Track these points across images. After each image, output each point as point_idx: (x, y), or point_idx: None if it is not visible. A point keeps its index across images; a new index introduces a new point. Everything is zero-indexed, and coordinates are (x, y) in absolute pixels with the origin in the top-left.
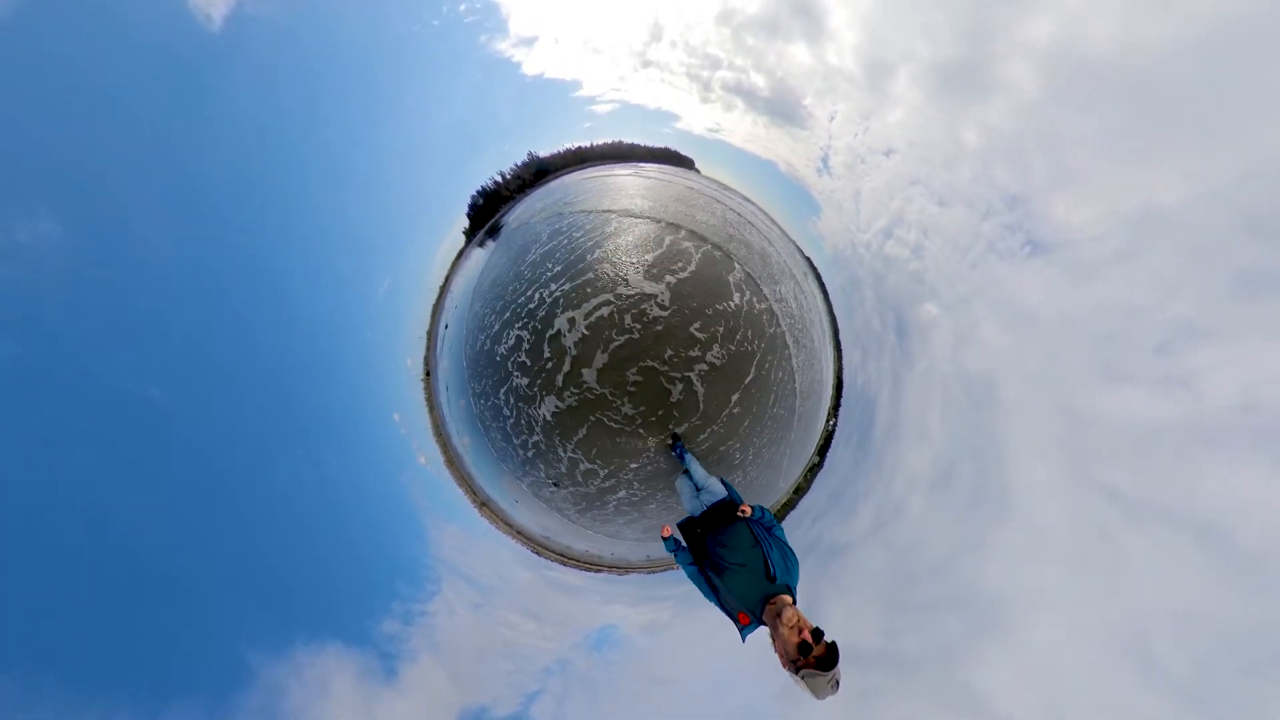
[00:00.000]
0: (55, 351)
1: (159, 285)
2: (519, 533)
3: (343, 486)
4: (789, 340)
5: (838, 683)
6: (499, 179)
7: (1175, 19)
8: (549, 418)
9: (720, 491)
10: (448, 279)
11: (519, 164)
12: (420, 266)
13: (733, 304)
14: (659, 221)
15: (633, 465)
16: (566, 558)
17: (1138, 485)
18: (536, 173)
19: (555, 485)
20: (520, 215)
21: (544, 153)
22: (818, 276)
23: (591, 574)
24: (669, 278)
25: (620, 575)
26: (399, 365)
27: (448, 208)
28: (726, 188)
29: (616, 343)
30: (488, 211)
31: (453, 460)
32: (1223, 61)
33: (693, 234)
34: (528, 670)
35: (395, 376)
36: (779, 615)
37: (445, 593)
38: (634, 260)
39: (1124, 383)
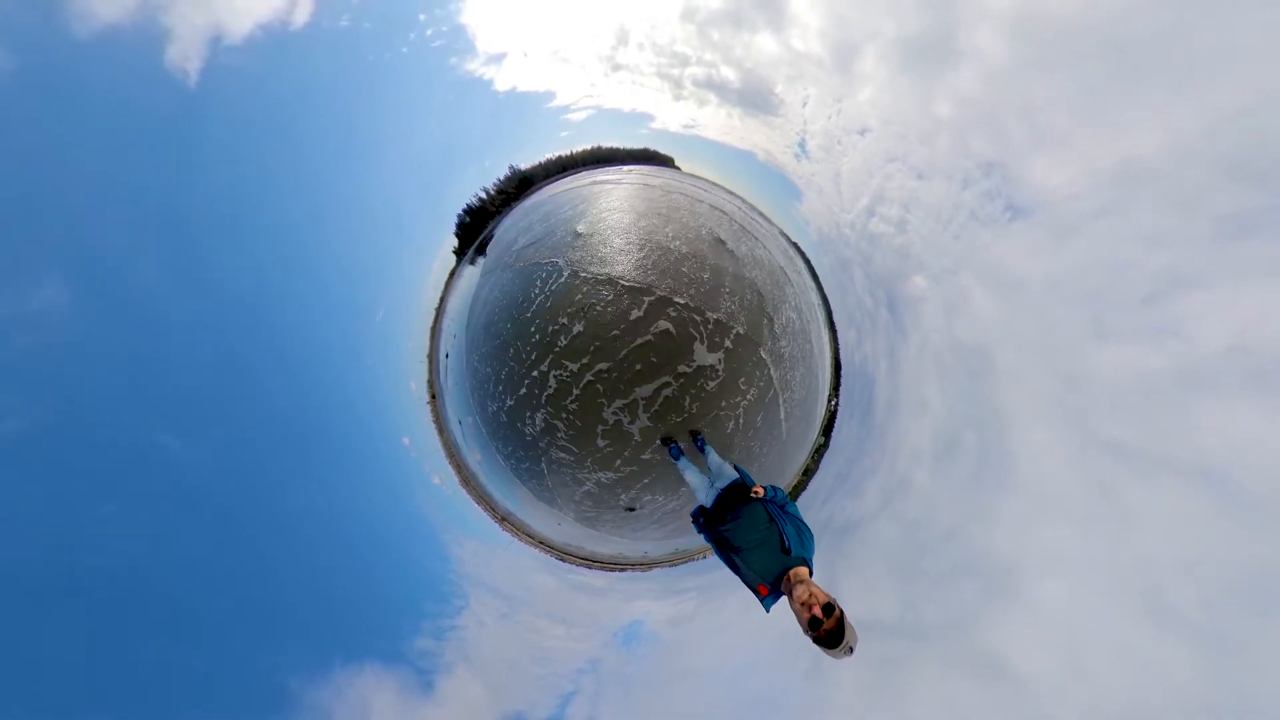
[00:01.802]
0: (74, 413)
1: (164, 337)
2: (542, 543)
3: (361, 512)
4: (798, 354)
5: (852, 649)
6: (483, 195)
7: None
8: (605, 481)
9: (733, 475)
10: (442, 300)
11: (501, 178)
12: (414, 290)
13: (767, 349)
14: (691, 269)
15: (684, 488)
16: (592, 561)
17: (1138, 437)
18: (520, 183)
19: (630, 509)
20: (509, 235)
21: (525, 165)
22: (808, 264)
23: (615, 573)
24: (727, 343)
25: (644, 572)
26: (403, 390)
27: (434, 229)
28: (712, 184)
29: (676, 420)
30: (475, 228)
31: (468, 480)
32: (1183, 11)
33: (734, 288)
34: (560, 672)
35: (401, 401)
36: (792, 591)
37: (472, 606)
38: (689, 321)
39: (1116, 337)
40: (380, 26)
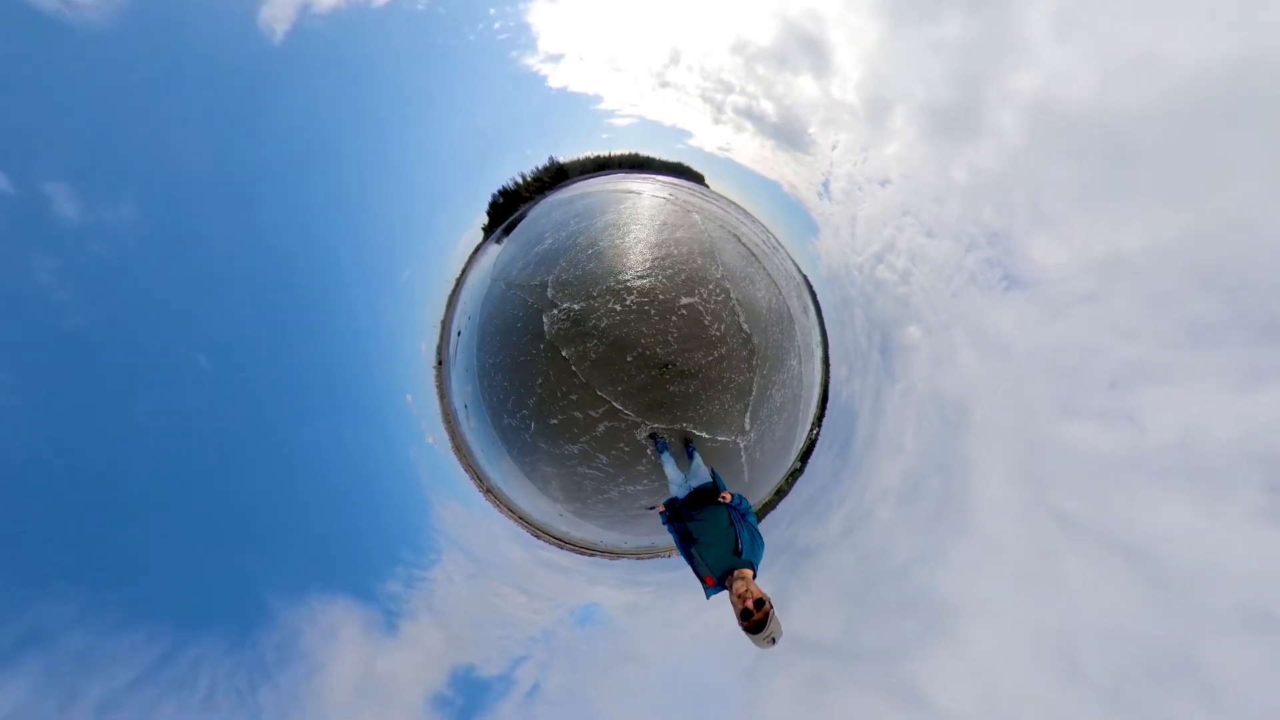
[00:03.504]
0: (125, 318)
1: (213, 265)
2: (521, 518)
3: (357, 457)
4: (788, 397)
5: (775, 640)
6: (519, 179)
7: (1146, 87)
8: (630, 492)
9: (707, 478)
10: (464, 273)
11: (540, 167)
12: (439, 258)
13: (776, 397)
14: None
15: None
16: (564, 542)
17: (1082, 510)
18: (556, 174)
19: (651, 508)
20: (536, 228)
21: (564, 158)
22: (814, 297)
23: (581, 556)
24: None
25: (611, 560)
26: (414, 349)
27: (469, 204)
28: (734, 205)
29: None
30: (507, 209)
31: (460, 447)
32: (1185, 128)
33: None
34: (515, 637)
35: (410, 359)
36: (733, 586)
37: (444, 562)
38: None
39: (1079, 415)
40: (453, 13)
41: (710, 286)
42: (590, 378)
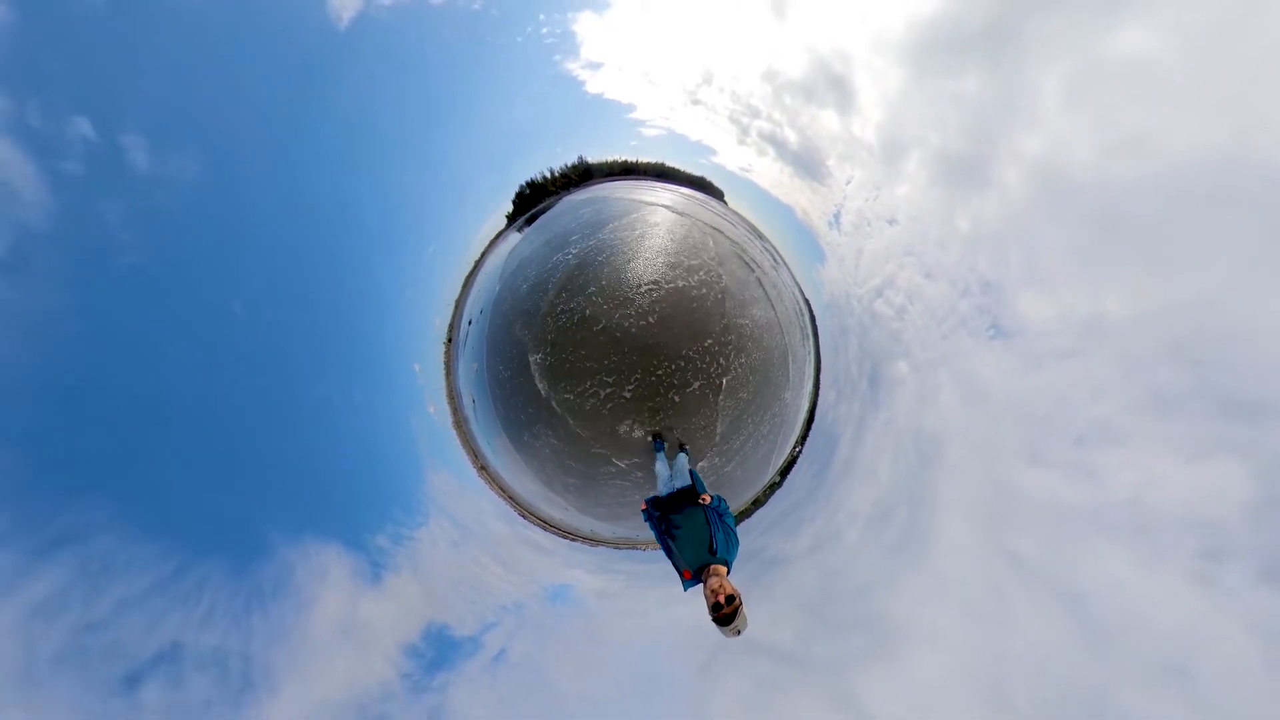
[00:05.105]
0: (174, 261)
1: (257, 223)
2: (510, 498)
3: (363, 415)
4: (779, 422)
5: (740, 631)
6: (547, 174)
7: (1141, 165)
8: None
9: (689, 480)
10: (483, 256)
11: (568, 165)
12: (463, 239)
13: (763, 428)
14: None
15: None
16: (547, 525)
17: (1033, 553)
18: (582, 173)
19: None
20: (559, 224)
21: (592, 159)
22: (814, 322)
23: (562, 540)
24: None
25: (589, 546)
26: (428, 322)
27: (496, 192)
28: (750, 227)
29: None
30: (531, 201)
31: (460, 423)
32: (1172, 209)
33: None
34: (488, 605)
35: (423, 331)
36: (707, 581)
37: (431, 526)
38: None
39: (1044, 464)
40: (505, 15)
41: (726, 352)
42: (596, 437)
